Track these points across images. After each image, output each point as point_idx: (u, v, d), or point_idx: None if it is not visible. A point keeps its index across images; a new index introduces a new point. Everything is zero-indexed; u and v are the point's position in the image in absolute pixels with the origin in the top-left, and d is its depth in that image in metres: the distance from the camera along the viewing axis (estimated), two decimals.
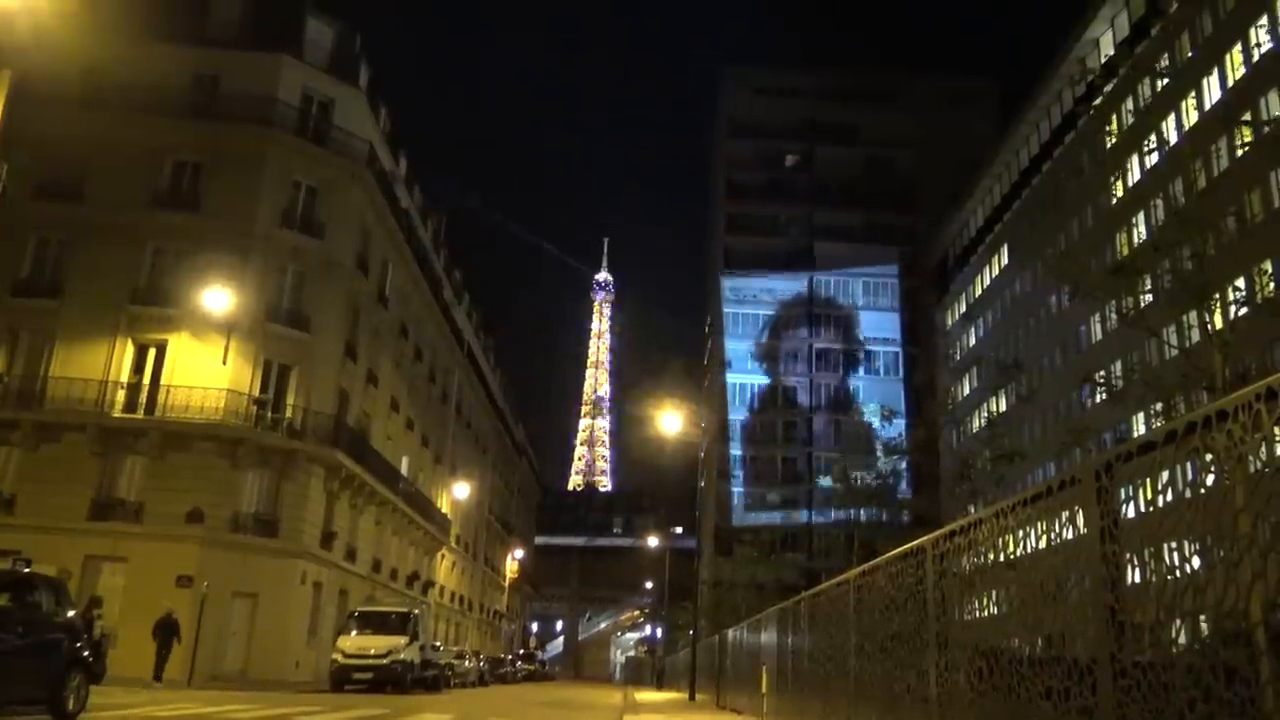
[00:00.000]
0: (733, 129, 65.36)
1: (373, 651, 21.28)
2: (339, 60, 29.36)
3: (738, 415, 62.31)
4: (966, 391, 49.71)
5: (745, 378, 63.57)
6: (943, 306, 55.35)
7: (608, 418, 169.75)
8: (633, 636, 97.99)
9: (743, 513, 58.93)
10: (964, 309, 51.66)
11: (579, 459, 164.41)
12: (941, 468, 46.89)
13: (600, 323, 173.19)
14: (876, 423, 44.64)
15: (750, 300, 64.70)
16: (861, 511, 31.71)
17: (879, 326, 63.50)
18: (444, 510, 42.40)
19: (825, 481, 50.93)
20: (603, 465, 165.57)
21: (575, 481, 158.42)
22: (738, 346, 63.82)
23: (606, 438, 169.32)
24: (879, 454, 33.57)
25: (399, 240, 33.20)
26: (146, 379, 25.77)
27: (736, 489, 60.32)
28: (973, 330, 49.91)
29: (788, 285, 64.22)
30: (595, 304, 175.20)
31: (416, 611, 23.57)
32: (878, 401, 51.75)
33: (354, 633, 22.08)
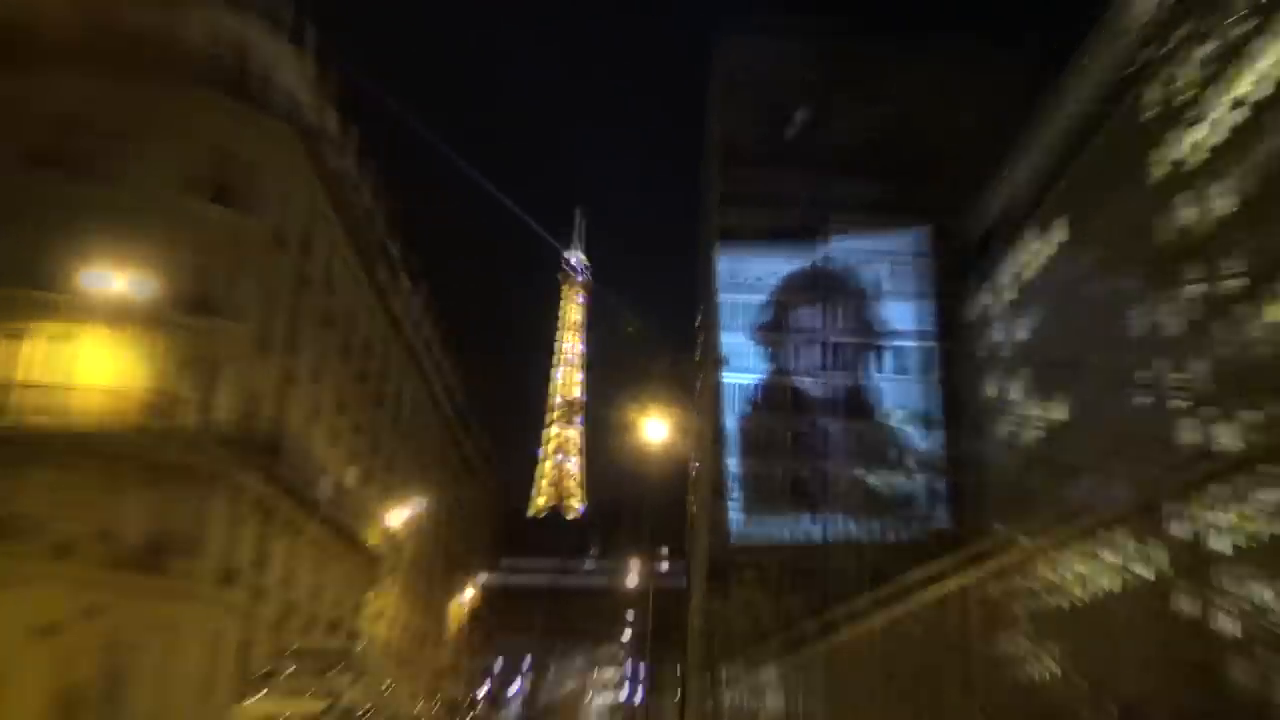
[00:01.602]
0: (732, 86, 65.71)
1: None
2: (267, 3, 29.31)
3: (736, 422, 62.93)
4: (1012, 394, 51.17)
5: (745, 377, 63.84)
6: (981, 293, 56.71)
7: (581, 426, 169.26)
8: (612, 673, 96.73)
9: (743, 528, 59.76)
10: (1008, 296, 52.91)
11: (543, 476, 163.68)
12: (984, 483, 48.89)
13: (571, 311, 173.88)
14: (904, 430, 48.27)
15: (751, 286, 64.96)
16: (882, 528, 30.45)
17: (906, 317, 63.85)
18: (380, 539, 42.44)
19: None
20: (573, 484, 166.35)
21: (539, 503, 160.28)
22: (736, 340, 63.88)
23: (579, 450, 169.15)
24: (909, 467, 34.06)
25: (333, 215, 33.95)
26: (18, 376, 25.22)
27: (735, 512, 61.37)
28: (1019, 321, 51.29)
29: (796, 268, 64.81)
30: (565, 288, 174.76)
31: (340, 669, 23.32)
32: (906, 405, 55.12)
33: (262, 696, 21.54)
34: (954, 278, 62.14)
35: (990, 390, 53.45)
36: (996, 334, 53.67)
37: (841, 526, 57.36)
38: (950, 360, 61.90)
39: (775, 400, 65.00)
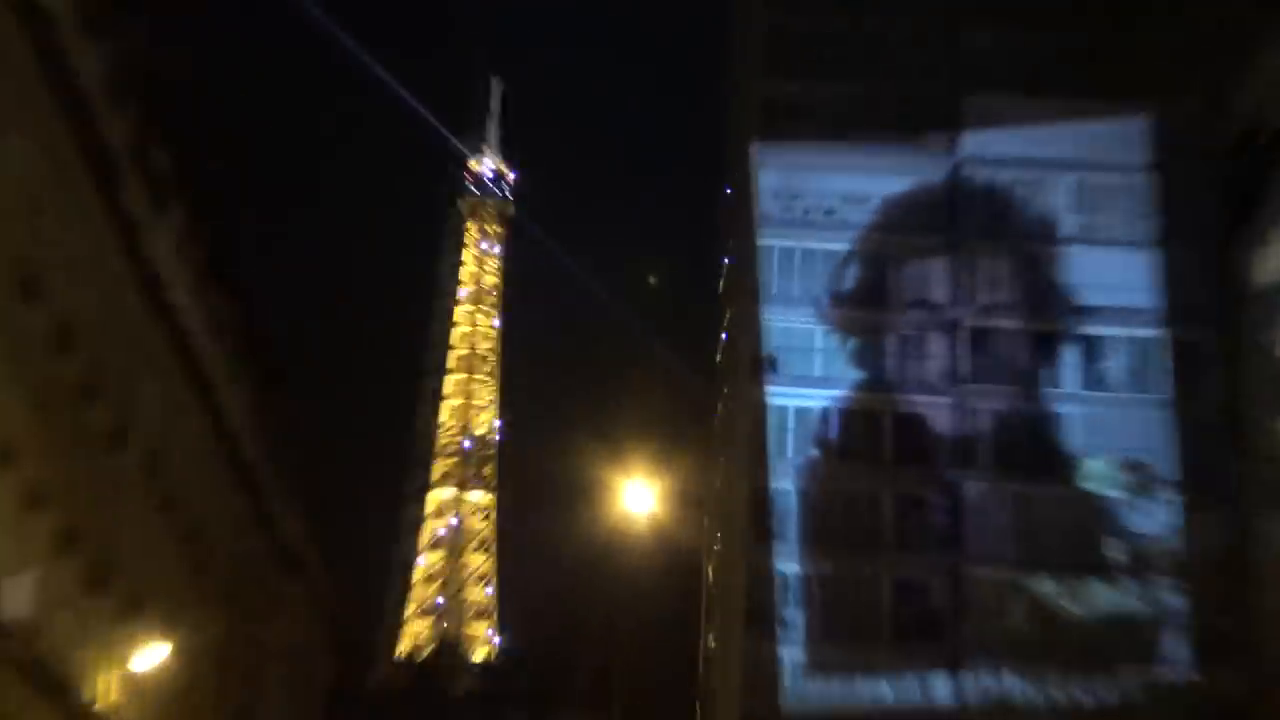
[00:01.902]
0: None
1: None
2: None
3: (794, 480, 53.24)
4: None
5: (804, 393, 54.47)
6: (1246, 238, 50.57)
7: (492, 491, 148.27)
8: None
9: (806, 683, 51.25)
10: None
11: (424, 582, 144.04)
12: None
13: (474, 264, 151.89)
14: (1125, 499, 44.20)
15: (819, 222, 55.68)
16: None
17: (1115, 283, 53.95)
18: (107, 700, 37.47)
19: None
20: (480, 599, 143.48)
21: (413, 638, 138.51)
22: (792, 325, 54.82)
23: (491, 530, 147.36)
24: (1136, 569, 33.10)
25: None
26: None
27: (791, 652, 51.49)
28: None
29: (905, 189, 56.00)
30: (469, 223, 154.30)
31: None
32: (1127, 451, 46.74)
33: None
34: (1210, 209, 54.10)
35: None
36: None
37: (998, 685, 48.36)
38: (1207, 364, 52.68)
39: (866, 439, 54.90)
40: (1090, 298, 54.66)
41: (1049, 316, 54.72)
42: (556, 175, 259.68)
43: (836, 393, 55.12)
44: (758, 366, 54.79)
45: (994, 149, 55.71)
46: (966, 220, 56.06)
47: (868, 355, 55.24)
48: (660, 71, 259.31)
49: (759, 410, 54.59)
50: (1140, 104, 56.01)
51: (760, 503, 52.73)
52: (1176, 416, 52.85)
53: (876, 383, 54.98)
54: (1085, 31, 56.68)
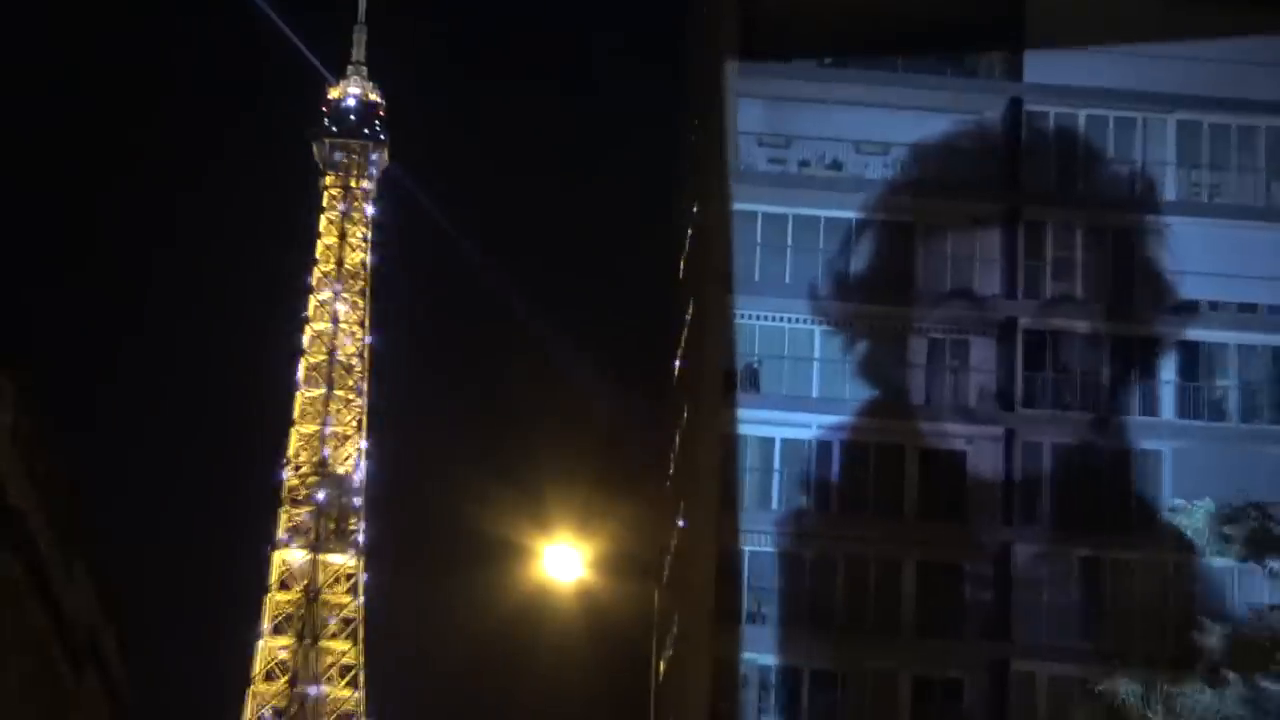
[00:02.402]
0: None
1: None
2: None
3: (770, 540, 52.70)
4: None
5: (795, 419, 53.83)
6: None
7: (361, 543, 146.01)
8: None
9: None
10: None
11: (266, 677, 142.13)
12: None
13: (344, 241, 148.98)
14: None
15: (817, 177, 55.21)
16: None
17: (1235, 270, 53.56)
18: None
19: None
20: (344, 698, 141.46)
21: None
22: (775, 318, 54.45)
23: (358, 606, 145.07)
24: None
25: None
26: None
27: None
28: None
29: (937, 130, 55.15)
30: (329, 180, 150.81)
31: None
32: (1226, 500, 44.78)
33: None
34: None
35: None
36: None
37: None
38: None
39: (881, 484, 54.03)
40: (1199, 290, 54.08)
41: (1139, 316, 53.95)
42: (445, 105, 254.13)
43: (840, 419, 53.92)
44: (731, 383, 53.64)
45: (1070, 77, 55.25)
46: (1029, 178, 55.45)
47: (885, 367, 54.29)
48: None
49: (731, 443, 53.39)
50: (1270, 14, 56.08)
51: (732, 571, 51.64)
52: None
53: (896, 406, 54.11)
54: None
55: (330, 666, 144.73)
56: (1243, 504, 45.46)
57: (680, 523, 56.81)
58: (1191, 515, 46.36)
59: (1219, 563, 46.83)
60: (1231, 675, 42.43)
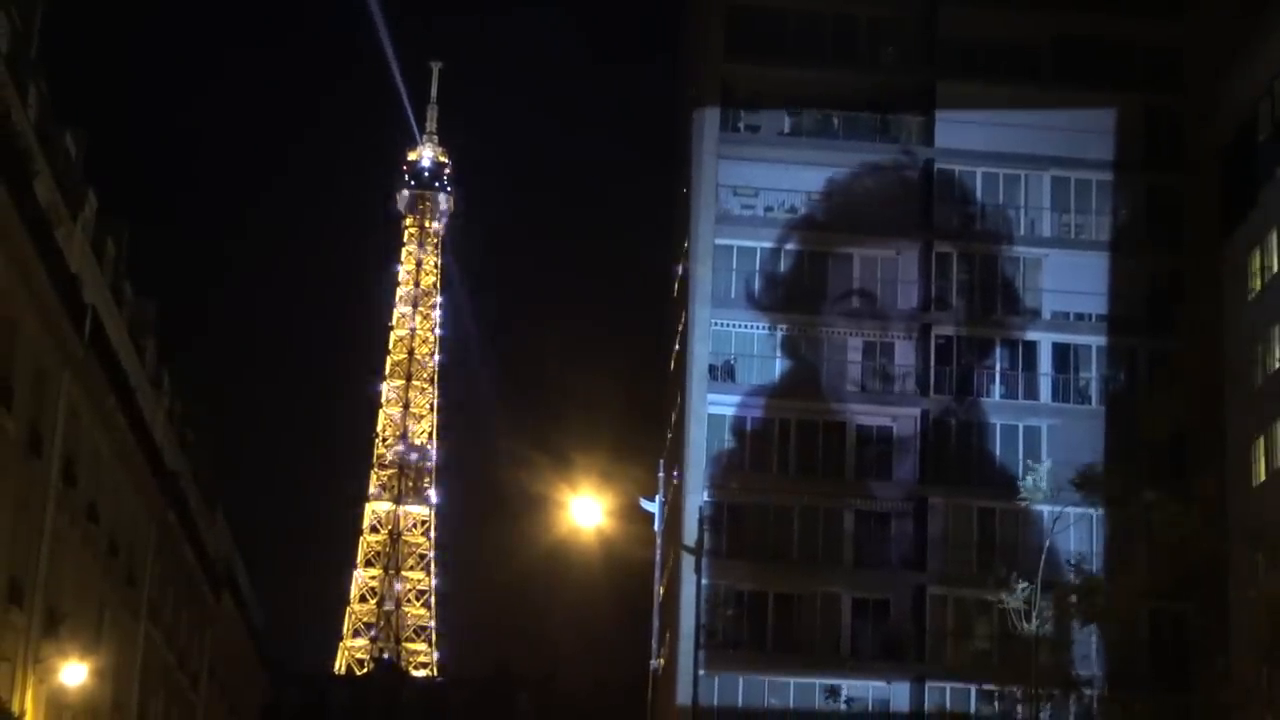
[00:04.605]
0: None
1: None
2: None
3: (742, 495, 55.74)
4: None
5: (762, 403, 56.59)
6: (1243, 243, 52.02)
7: (433, 502, 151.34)
8: None
9: (754, 705, 53.98)
10: None
11: (361, 599, 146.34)
12: (1232, 625, 46.98)
13: (420, 268, 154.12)
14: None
15: (778, 219, 57.66)
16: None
17: (1088, 286, 56.95)
18: (26, 719, 38.38)
19: None
20: (420, 615, 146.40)
21: (351, 655, 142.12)
22: (747, 327, 57.26)
23: (430, 545, 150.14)
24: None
25: None
26: None
27: (743, 669, 53.72)
28: None
29: (867, 182, 57.76)
30: (409, 221, 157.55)
31: None
32: (1082, 465, 45.91)
33: None
34: (1189, 213, 56.75)
35: (1264, 436, 48.19)
36: (1272, 319, 49.16)
37: (945, 696, 52.41)
38: (1170, 375, 55.46)
39: (827, 452, 56.70)
40: (1068, 304, 56.28)
41: (1023, 324, 55.96)
42: (498, 168, 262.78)
43: (796, 403, 56.12)
44: (712, 374, 55.73)
45: (970, 143, 56.82)
46: (939, 220, 56.93)
47: (830, 363, 56.29)
48: (611, 53, 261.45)
49: (713, 421, 55.76)
50: (1128, 97, 56.92)
51: (713, 518, 53.57)
52: (1146, 428, 53.47)
53: (839, 393, 56.10)
54: (1074, 17, 56.95)
55: (408, 591, 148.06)
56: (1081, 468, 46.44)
57: (675, 480, 55.23)
58: (1036, 473, 47.03)
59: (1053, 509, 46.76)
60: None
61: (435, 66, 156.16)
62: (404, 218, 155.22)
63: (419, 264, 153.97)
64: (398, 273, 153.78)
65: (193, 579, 60.03)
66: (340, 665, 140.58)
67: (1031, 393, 55.98)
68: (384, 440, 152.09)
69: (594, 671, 79.47)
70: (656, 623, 49.91)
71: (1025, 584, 43.48)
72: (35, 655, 39.36)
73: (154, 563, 52.88)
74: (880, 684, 53.93)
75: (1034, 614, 45.68)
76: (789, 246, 57.24)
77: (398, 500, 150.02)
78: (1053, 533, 42.61)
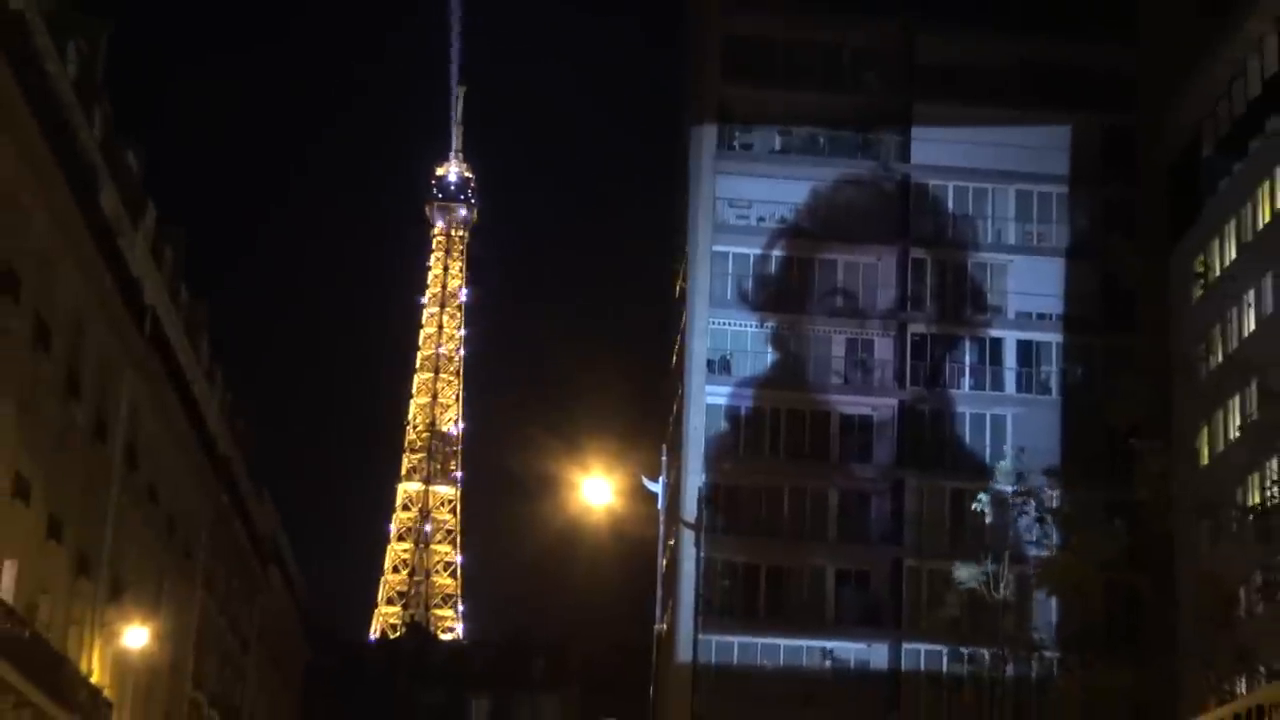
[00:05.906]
0: None
1: None
2: None
3: (737, 477, 55.28)
4: (1234, 433, 46.33)
5: (755, 394, 56.04)
6: (1189, 250, 51.62)
7: (457, 482, 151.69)
8: None
9: (753, 658, 53.74)
10: (1238, 255, 47.72)
11: (393, 570, 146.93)
12: (1180, 595, 46.71)
13: (446, 272, 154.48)
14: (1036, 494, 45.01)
15: (770, 228, 57.00)
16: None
17: (1044, 288, 56.36)
18: (94, 677, 38.40)
19: None
20: (447, 585, 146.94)
21: (384, 620, 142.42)
22: (742, 325, 56.57)
23: (456, 522, 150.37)
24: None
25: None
26: None
27: (736, 632, 53.25)
28: (1255, 299, 46.08)
29: (848, 194, 57.16)
30: (437, 230, 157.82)
31: None
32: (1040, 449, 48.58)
33: None
34: (1141, 221, 55.81)
35: (1209, 423, 48.16)
36: (1216, 320, 48.57)
37: (920, 657, 52.15)
38: (1120, 368, 54.10)
39: (814, 438, 56.22)
40: (1032, 305, 55.66)
41: (990, 323, 55.45)
42: (518, 182, 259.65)
43: (787, 394, 55.56)
44: (710, 368, 55.26)
45: (943, 160, 56.35)
46: (915, 229, 56.36)
47: (817, 359, 55.85)
48: (617, 78, 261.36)
49: (711, 410, 55.18)
50: (1087, 117, 56.32)
51: (710, 498, 52.05)
52: (1096, 416, 52.36)
53: (825, 385, 55.65)
54: (1037, 44, 56.07)
55: (437, 563, 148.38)
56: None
57: (676, 463, 54.72)
58: (1006, 460, 48.70)
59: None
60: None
61: (460, 90, 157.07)
62: (432, 227, 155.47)
63: (445, 269, 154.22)
64: (426, 277, 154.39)
65: (243, 553, 59.80)
66: (375, 630, 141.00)
67: (997, 385, 55.51)
68: (414, 427, 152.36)
69: (604, 635, 78.29)
70: (660, 592, 47.75)
71: (989, 561, 43.70)
72: (101, 620, 39.69)
73: (208, 539, 52.84)
74: (861, 646, 53.35)
75: (1001, 584, 45.68)
76: (779, 252, 56.71)
77: (427, 481, 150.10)
78: (1017, 514, 42.89)
